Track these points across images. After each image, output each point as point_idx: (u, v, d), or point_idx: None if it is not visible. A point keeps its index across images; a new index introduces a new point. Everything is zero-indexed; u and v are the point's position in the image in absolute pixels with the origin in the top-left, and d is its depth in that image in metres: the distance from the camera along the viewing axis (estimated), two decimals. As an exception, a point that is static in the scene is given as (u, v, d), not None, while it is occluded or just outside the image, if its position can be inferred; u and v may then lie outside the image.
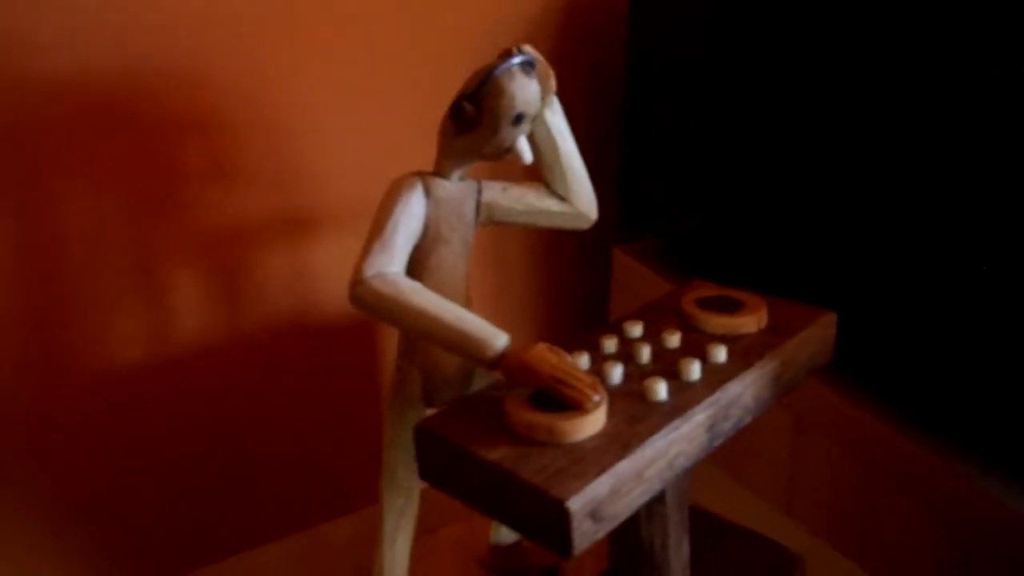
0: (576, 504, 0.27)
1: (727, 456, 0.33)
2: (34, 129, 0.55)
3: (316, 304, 0.71)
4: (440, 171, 0.35)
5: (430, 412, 0.37)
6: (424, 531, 0.38)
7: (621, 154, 0.75)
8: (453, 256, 0.35)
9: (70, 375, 0.61)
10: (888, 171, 0.50)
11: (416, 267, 0.35)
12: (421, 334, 0.32)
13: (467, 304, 0.36)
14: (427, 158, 0.71)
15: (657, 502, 0.34)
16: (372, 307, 0.32)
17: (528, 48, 0.33)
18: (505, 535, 0.43)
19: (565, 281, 0.84)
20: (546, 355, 0.30)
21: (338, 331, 0.72)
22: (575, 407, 0.30)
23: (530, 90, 0.32)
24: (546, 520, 0.27)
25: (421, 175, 0.34)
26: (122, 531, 0.66)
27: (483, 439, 0.30)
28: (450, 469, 0.30)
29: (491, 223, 0.37)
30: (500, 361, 0.31)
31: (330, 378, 0.73)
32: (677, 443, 0.30)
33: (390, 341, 0.74)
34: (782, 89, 0.56)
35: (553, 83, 0.35)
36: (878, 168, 0.50)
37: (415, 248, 0.34)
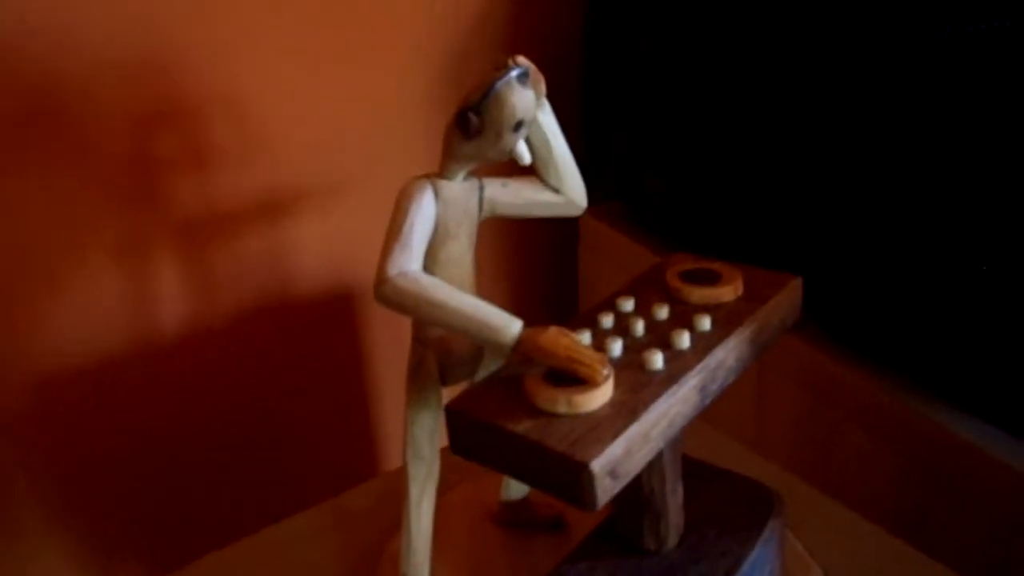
0: (598, 465, 0.31)
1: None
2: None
3: (295, 279, 0.74)
4: (445, 173, 0.38)
5: (446, 390, 0.41)
6: (438, 493, 0.42)
7: (582, 120, 0.79)
8: (461, 249, 0.39)
9: (54, 366, 0.63)
10: (842, 132, 0.54)
11: (428, 261, 0.38)
12: (442, 324, 0.36)
13: (475, 291, 0.39)
14: (384, 128, 0.74)
15: (656, 456, 0.38)
16: (397, 303, 0.36)
17: (522, 59, 0.36)
18: (514, 492, 0.48)
19: (534, 246, 0.88)
20: (559, 338, 0.34)
21: (318, 305, 0.75)
22: (587, 382, 0.34)
23: (527, 98, 0.36)
24: (572, 480, 0.32)
25: (430, 178, 0.38)
26: (127, 523, 0.69)
27: (508, 415, 0.34)
28: (480, 443, 0.35)
29: (493, 216, 0.40)
30: (517, 345, 0.35)
31: (315, 352, 0.76)
32: (675, 406, 0.35)
33: (371, 313, 0.78)
34: (740, 53, 0.60)
35: (543, 87, 0.38)
36: (834, 129, 0.55)
37: (428, 245, 0.38)
